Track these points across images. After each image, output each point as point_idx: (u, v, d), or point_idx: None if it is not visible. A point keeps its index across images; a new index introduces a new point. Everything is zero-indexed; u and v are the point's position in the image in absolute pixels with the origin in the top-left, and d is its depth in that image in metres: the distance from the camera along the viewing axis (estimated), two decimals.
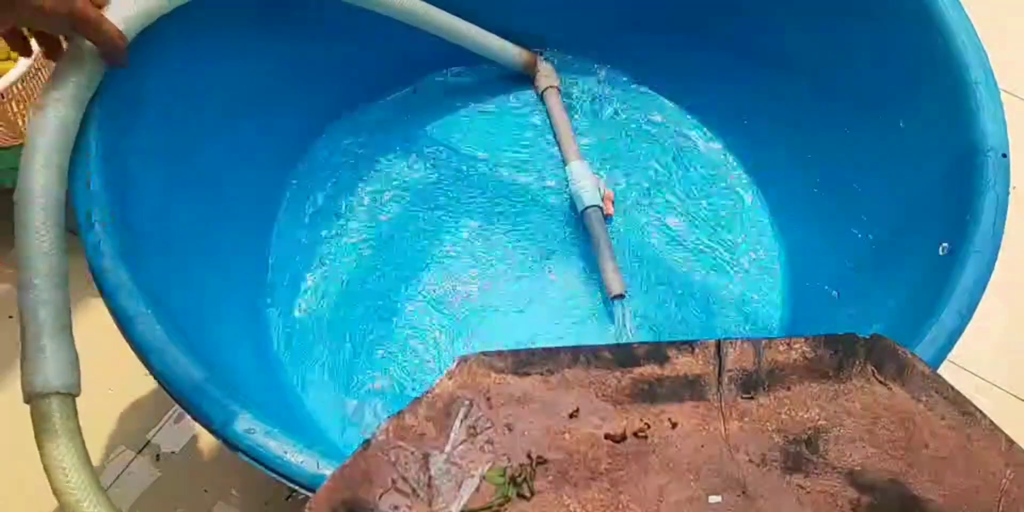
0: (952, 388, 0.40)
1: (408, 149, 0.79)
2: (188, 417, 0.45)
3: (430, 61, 0.81)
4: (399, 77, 0.81)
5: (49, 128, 0.46)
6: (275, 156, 0.75)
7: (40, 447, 0.42)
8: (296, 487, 0.43)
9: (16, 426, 0.74)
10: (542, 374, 0.39)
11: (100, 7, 0.47)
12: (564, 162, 0.77)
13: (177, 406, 0.45)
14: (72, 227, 0.47)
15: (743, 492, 0.37)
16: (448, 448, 0.37)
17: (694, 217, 0.76)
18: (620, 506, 0.37)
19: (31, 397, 0.43)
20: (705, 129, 0.81)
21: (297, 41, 0.70)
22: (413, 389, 0.68)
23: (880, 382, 0.40)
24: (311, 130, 0.78)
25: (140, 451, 0.76)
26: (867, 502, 0.37)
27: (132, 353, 0.46)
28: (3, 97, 0.66)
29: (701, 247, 0.75)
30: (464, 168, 0.78)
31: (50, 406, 0.42)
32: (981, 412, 0.39)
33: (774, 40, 0.73)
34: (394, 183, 0.77)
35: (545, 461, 0.38)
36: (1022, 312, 0.87)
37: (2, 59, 0.75)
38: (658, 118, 0.82)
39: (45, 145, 0.45)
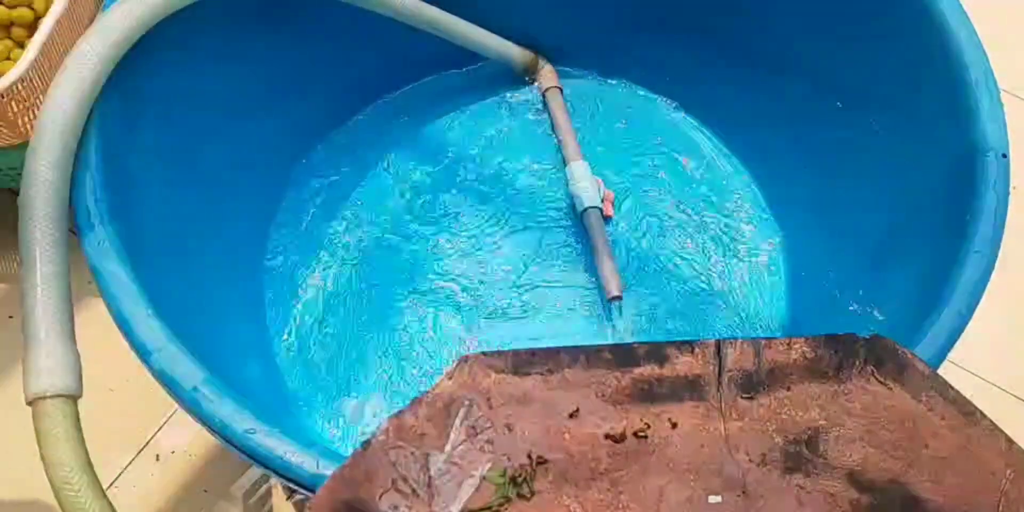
0: (952, 388, 0.40)
1: (408, 149, 0.79)
2: (188, 417, 0.45)
3: (431, 61, 0.81)
4: (399, 77, 0.81)
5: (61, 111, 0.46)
6: (275, 156, 0.75)
7: (41, 448, 0.42)
8: (296, 487, 0.43)
9: (16, 427, 0.74)
10: (542, 374, 0.39)
11: None
12: (564, 162, 0.77)
13: (177, 406, 0.45)
14: (72, 227, 0.47)
15: (743, 492, 0.37)
16: (448, 448, 0.37)
17: (693, 218, 0.76)
18: (620, 506, 0.37)
19: (33, 399, 0.43)
20: (706, 130, 0.81)
21: (297, 41, 0.70)
22: (413, 389, 0.68)
23: (880, 382, 0.40)
24: (311, 130, 0.78)
25: (140, 451, 0.76)
26: (867, 502, 0.37)
27: (132, 353, 0.46)
28: (3, 97, 0.66)
29: (700, 248, 0.75)
30: (464, 168, 0.78)
31: (52, 408, 0.42)
32: (981, 412, 0.39)
33: (774, 41, 0.73)
34: (393, 183, 0.77)
35: (545, 461, 0.38)
36: (1022, 312, 0.87)
37: (2, 59, 0.75)
38: (659, 119, 0.82)
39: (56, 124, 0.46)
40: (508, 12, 0.77)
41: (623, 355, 0.40)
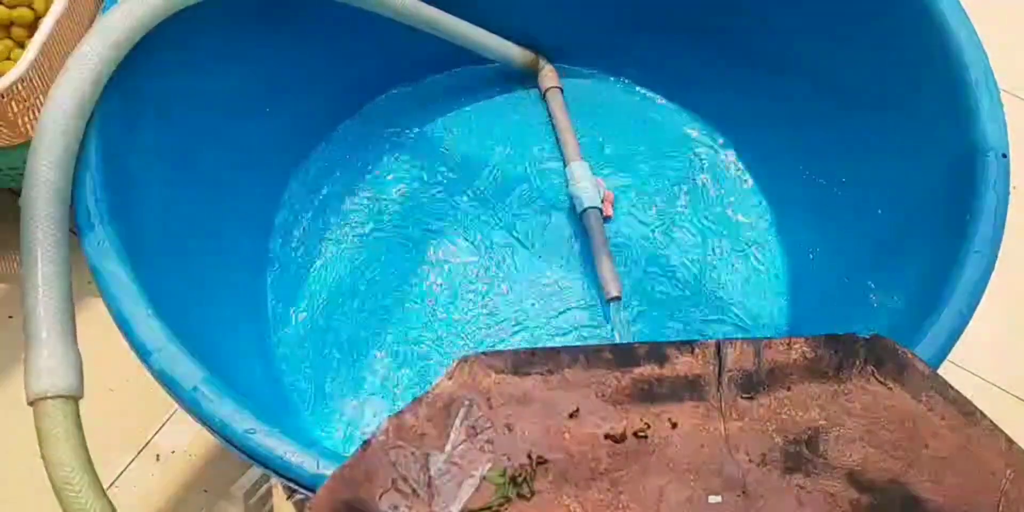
0: (952, 388, 0.40)
1: (408, 149, 0.79)
2: (188, 417, 0.45)
3: (431, 61, 0.81)
4: (399, 77, 0.81)
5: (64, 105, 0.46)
6: (275, 156, 0.75)
7: (42, 449, 0.42)
8: (296, 487, 0.43)
9: (16, 427, 0.74)
10: (542, 374, 0.39)
11: None
12: (564, 163, 0.77)
13: (177, 406, 0.45)
14: (72, 227, 0.48)
15: (743, 492, 0.37)
16: (448, 448, 0.37)
17: (693, 218, 0.76)
18: (620, 506, 0.37)
19: (34, 399, 0.43)
20: (705, 130, 0.81)
21: (297, 41, 0.70)
22: (413, 389, 0.68)
23: (880, 382, 0.40)
24: (311, 130, 0.78)
25: (140, 451, 0.76)
26: (867, 502, 0.37)
27: (132, 353, 0.46)
28: (3, 97, 0.66)
29: (700, 248, 0.75)
30: (465, 168, 0.78)
31: (53, 408, 0.43)
32: (981, 412, 0.39)
33: (774, 41, 0.73)
34: (394, 183, 0.77)
35: (545, 461, 0.38)
36: (1022, 312, 0.87)
37: (2, 59, 0.75)
38: (659, 119, 0.82)
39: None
40: (508, 12, 0.77)
41: (623, 355, 0.40)
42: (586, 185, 0.73)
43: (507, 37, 0.78)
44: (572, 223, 0.75)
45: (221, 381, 0.45)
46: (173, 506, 0.73)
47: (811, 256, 0.73)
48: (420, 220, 0.75)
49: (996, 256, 0.51)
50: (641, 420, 0.39)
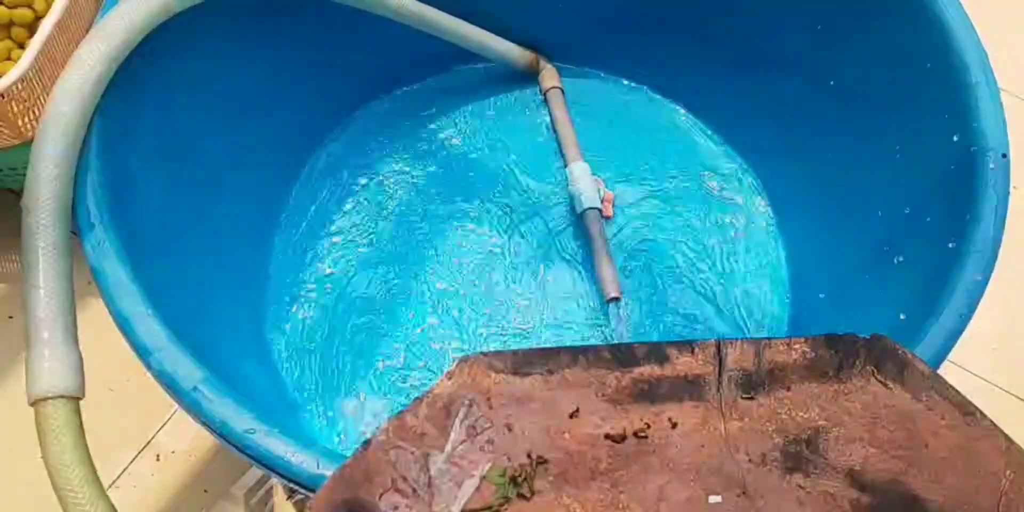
0: (952, 388, 0.40)
1: (409, 149, 0.79)
2: (188, 417, 0.45)
3: (431, 61, 0.81)
4: (401, 77, 0.81)
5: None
6: (276, 156, 0.75)
7: (43, 449, 0.42)
8: (296, 487, 0.43)
9: (16, 428, 0.74)
10: (542, 374, 0.39)
11: None
12: (565, 163, 0.77)
13: (177, 406, 0.45)
14: (72, 228, 0.48)
15: (743, 492, 0.37)
16: (448, 448, 0.37)
17: (694, 219, 0.76)
18: (620, 506, 0.37)
19: (35, 400, 0.43)
20: (708, 130, 0.81)
21: (298, 41, 0.70)
22: (413, 389, 0.68)
23: (880, 382, 0.40)
24: (312, 130, 0.78)
25: (140, 451, 0.76)
26: (867, 502, 0.37)
27: (132, 353, 0.46)
28: (3, 97, 0.66)
29: (701, 248, 0.75)
30: (465, 169, 0.78)
31: (54, 409, 0.43)
32: (981, 412, 0.39)
33: (774, 40, 0.73)
34: (394, 184, 0.77)
35: (545, 461, 0.38)
36: (1022, 312, 0.87)
37: (2, 59, 0.75)
38: (661, 119, 0.82)
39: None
40: (508, 12, 0.77)
41: (623, 355, 0.40)
42: (586, 185, 0.73)
43: (508, 37, 0.78)
44: (572, 223, 0.75)
45: (221, 381, 0.45)
46: (173, 506, 0.73)
47: (811, 256, 0.73)
48: (420, 220, 0.75)
49: (996, 256, 0.51)
50: (641, 420, 0.39)
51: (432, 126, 0.80)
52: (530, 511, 0.36)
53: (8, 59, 0.75)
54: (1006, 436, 0.39)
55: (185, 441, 0.77)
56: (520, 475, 0.37)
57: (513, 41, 0.79)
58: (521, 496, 0.37)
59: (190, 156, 0.62)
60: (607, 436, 0.38)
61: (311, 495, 0.40)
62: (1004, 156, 0.53)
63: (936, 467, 0.38)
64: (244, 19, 0.64)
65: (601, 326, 0.71)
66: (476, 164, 0.78)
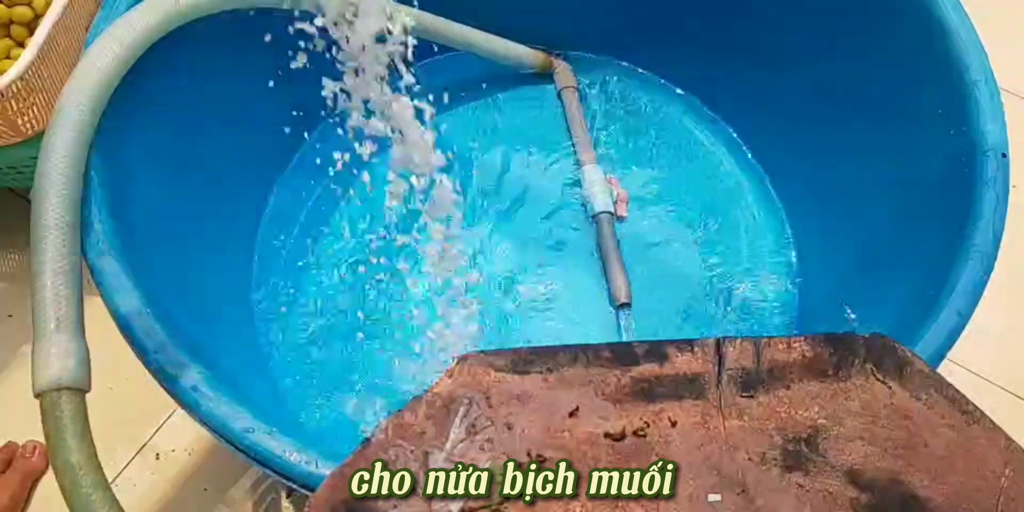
0: (952, 387, 0.40)
1: None
2: (188, 417, 0.45)
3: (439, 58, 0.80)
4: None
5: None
6: (276, 156, 0.75)
7: (47, 440, 0.42)
8: (296, 486, 0.43)
9: (15, 424, 0.74)
10: (542, 373, 0.39)
11: None
12: (579, 164, 0.76)
13: (177, 406, 0.45)
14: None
15: (742, 491, 0.37)
16: (448, 447, 0.37)
17: (705, 221, 0.76)
18: (620, 505, 0.37)
19: (40, 391, 0.43)
20: (722, 130, 0.81)
21: (298, 39, 0.70)
22: (413, 388, 0.68)
23: (880, 381, 0.40)
24: (311, 129, 0.78)
25: (140, 450, 0.76)
26: (867, 501, 0.37)
27: (132, 353, 0.46)
28: (2, 96, 0.66)
29: (711, 252, 0.75)
30: (475, 168, 0.78)
31: (59, 401, 0.42)
32: (981, 411, 0.39)
33: (774, 40, 0.73)
34: (398, 183, 0.77)
35: (545, 460, 0.37)
36: (1022, 312, 0.87)
37: (1, 58, 0.75)
38: (677, 118, 0.81)
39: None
40: (521, 11, 0.77)
41: (623, 354, 0.40)
42: (599, 189, 0.73)
43: (520, 37, 0.77)
44: (584, 226, 0.75)
45: (220, 380, 0.45)
46: (173, 505, 0.73)
47: (812, 255, 0.73)
48: (421, 221, 0.75)
49: (996, 256, 0.51)
50: (641, 419, 0.39)
51: (442, 125, 0.80)
52: (530, 511, 0.36)
53: (7, 57, 0.75)
54: (1006, 435, 0.39)
55: (185, 440, 0.77)
56: None
57: (526, 41, 0.78)
58: None
59: (190, 156, 0.62)
60: (607, 435, 0.38)
61: (310, 494, 0.40)
62: (1004, 156, 0.53)
63: (936, 466, 0.38)
64: (245, 19, 0.64)
65: (609, 332, 0.70)
66: (487, 164, 0.78)
